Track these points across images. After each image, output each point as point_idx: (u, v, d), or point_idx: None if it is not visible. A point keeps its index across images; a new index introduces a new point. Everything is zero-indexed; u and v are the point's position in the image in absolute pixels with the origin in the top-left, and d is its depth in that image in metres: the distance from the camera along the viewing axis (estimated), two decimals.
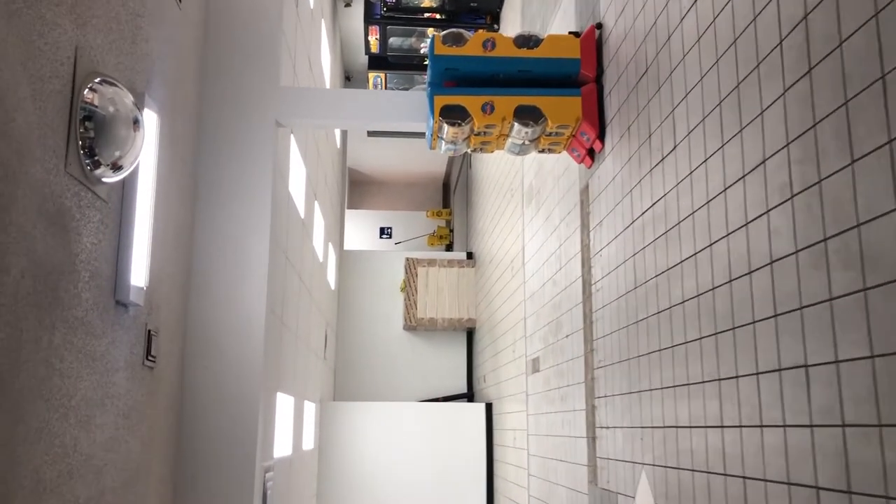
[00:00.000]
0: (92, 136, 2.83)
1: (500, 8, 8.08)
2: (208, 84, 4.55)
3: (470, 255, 10.51)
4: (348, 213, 12.79)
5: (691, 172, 3.02)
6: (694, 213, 2.98)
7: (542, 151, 4.57)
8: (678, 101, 3.17)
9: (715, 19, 2.83)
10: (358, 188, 14.71)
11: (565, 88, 4.32)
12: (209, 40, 4.59)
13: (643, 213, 3.56)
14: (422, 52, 9.53)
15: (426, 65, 8.90)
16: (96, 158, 2.86)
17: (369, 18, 8.67)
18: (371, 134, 12.77)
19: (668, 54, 3.28)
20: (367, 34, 8.81)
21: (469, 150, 4.55)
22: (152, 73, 3.60)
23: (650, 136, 3.50)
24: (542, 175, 5.95)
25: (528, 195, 6.56)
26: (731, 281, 2.65)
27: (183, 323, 4.32)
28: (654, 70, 3.47)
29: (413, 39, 9.76)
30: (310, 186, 6.83)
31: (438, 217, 13.78)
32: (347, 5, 9.33)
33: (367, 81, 9.65)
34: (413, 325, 10.05)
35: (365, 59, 9.65)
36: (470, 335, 10.42)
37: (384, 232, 13.88)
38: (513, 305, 7.14)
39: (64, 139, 2.67)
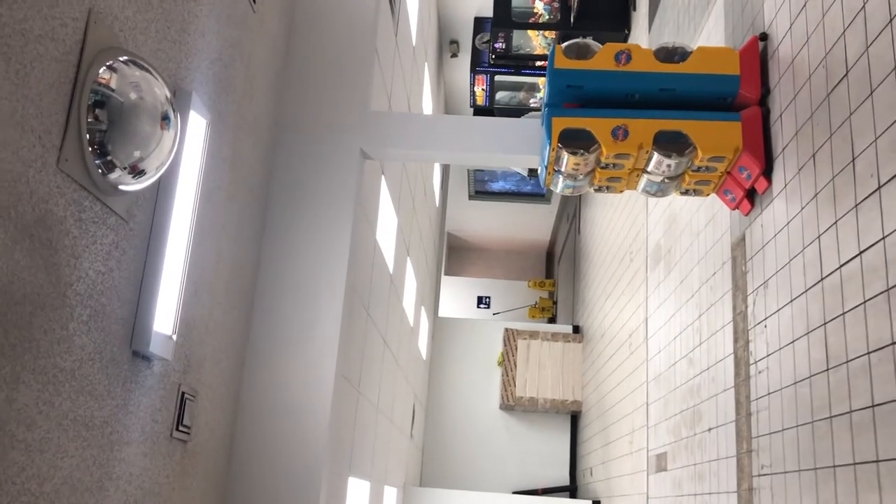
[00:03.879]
0: (104, 130, 2.14)
1: None
2: (285, 104, 3.89)
3: (577, 329, 9.48)
4: (444, 279, 12.04)
5: None
6: None
7: (686, 193, 3.65)
8: None
9: None
10: (456, 254, 13.99)
11: (719, 112, 3.42)
12: (291, 56, 3.95)
13: (842, 266, 2.58)
14: (531, 106, 8.83)
15: None
16: (109, 159, 2.15)
17: (476, 67, 8.06)
18: (473, 197, 12.11)
19: (891, 41, 2.35)
20: (473, 84, 8.18)
21: (592, 189, 3.68)
22: (208, 75, 2.94)
23: (854, 160, 2.55)
24: (674, 232, 5.00)
25: (653, 257, 5.58)
26: None
27: (236, 385, 3.55)
28: (859, 71, 2.54)
29: (521, 94, 9.09)
30: (401, 240, 6.09)
31: (541, 288, 12.84)
32: (454, 56, 8.78)
33: None
34: (511, 404, 9.04)
35: (470, 112, 9.03)
36: (574, 419, 9.30)
37: (482, 301, 13.03)
38: (631, 388, 6.08)
39: (60, 125, 1.98)
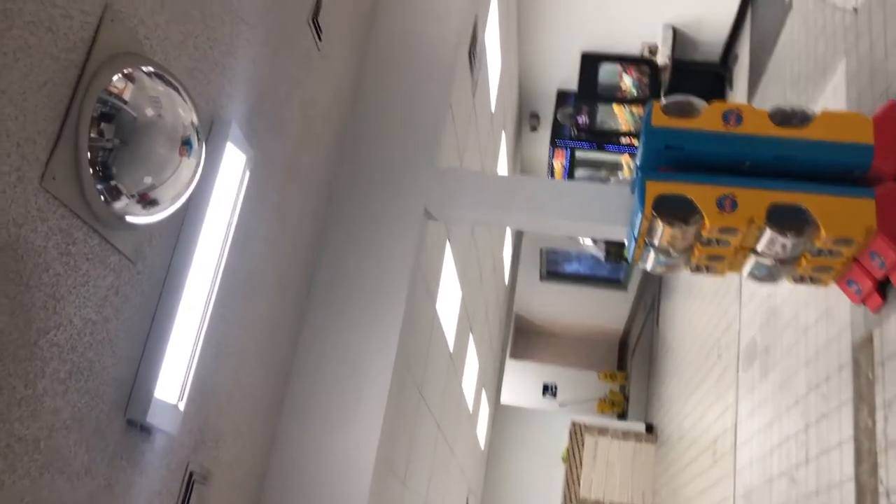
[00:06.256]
0: (110, 148, 1.78)
1: None
2: (346, 154, 3.54)
3: (650, 429, 8.71)
4: (508, 363, 11.43)
5: None
6: None
7: (801, 280, 3.09)
8: None
9: None
10: (522, 337, 13.37)
11: (847, 186, 2.89)
12: (357, 102, 3.62)
13: None
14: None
15: None
16: (114, 183, 1.78)
17: (556, 140, 7.68)
18: (545, 278, 11.59)
19: None
20: (551, 157, 7.78)
21: (688, 268, 3.16)
22: (257, 110, 2.60)
23: None
24: (776, 327, 4.38)
25: (747, 355, 4.95)
26: None
27: (261, 465, 3.09)
28: None
29: (603, 172, 8.65)
30: (465, 315, 5.62)
31: (612, 380, 12.06)
32: (534, 129, 8.44)
33: None
34: None
35: None
36: None
37: (548, 389, 12.29)
38: (714, 502, 5.35)
39: (49, 135, 1.62)
